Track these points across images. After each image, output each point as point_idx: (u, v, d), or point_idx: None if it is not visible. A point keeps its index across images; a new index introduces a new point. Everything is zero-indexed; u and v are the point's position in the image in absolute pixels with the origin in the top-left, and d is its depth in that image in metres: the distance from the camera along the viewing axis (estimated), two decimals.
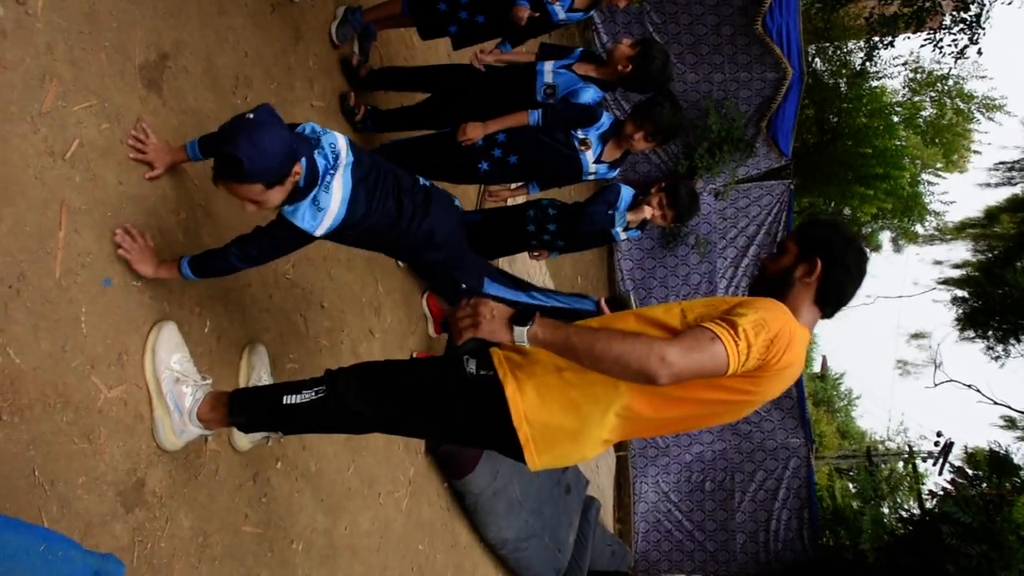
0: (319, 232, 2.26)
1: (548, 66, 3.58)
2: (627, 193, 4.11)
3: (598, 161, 3.63)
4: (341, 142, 2.31)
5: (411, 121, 3.87)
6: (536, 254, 4.32)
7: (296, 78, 3.31)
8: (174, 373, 2.30)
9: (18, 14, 1.94)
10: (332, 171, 2.24)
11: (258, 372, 2.76)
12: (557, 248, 4.17)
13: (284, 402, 2.28)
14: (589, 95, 3.50)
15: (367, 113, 3.80)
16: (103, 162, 2.18)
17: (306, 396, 2.26)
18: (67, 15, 2.10)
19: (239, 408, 2.36)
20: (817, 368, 30.80)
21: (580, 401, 2.11)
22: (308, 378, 2.35)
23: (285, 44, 3.23)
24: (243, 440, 2.68)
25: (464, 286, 2.80)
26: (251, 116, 2.00)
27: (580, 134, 3.53)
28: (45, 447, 1.93)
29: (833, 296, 2.19)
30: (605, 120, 3.58)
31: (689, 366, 1.87)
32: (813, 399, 26.55)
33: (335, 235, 2.38)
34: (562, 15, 3.57)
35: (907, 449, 17.72)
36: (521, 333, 1.96)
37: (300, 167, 2.12)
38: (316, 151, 2.22)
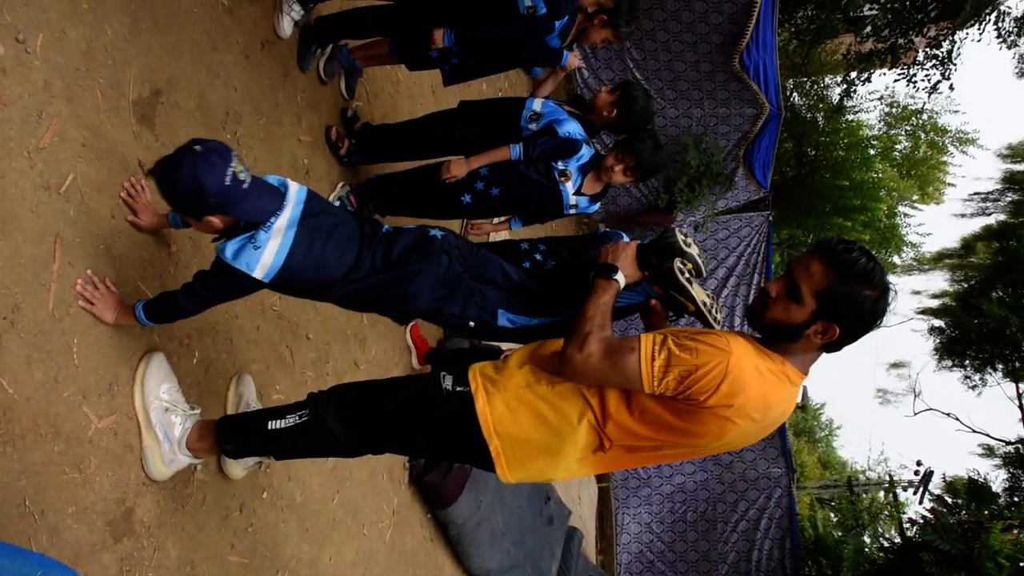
0: (258, 273, 2.10)
1: (538, 100, 3.70)
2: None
3: (578, 193, 3.69)
4: (292, 190, 2.18)
5: (396, 154, 3.95)
6: None
7: (284, 113, 3.38)
8: (163, 403, 2.33)
9: (18, 52, 2.00)
10: (278, 212, 2.11)
11: (246, 401, 2.79)
12: (548, 272, 4.20)
13: (269, 427, 2.33)
14: (572, 127, 3.59)
15: (351, 147, 3.87)
16: (96, 196, 2.23)
17: (290, 421, 2.30)
18: (65, 53, 2.16)
19: (227, 435, 2.40)
20: (798, 399, 30.97)
21: (550, 416, 2.15)
22: (292, 403, 2.38)
23: (274, 80, 3.30)
24: (236, 468, 2.70)
25: (472, 324, 2.66)
26: (197, 148, 1.95)
27: (560, 165, 3.60)
28: (36, 477, 1.95)
29: (839, 347, 2.05)
30: (585, 152, 3.66)
31: (600, 369, 2.02)
32: (794, 429, 26.64)
33: (285, 284, 2.25)
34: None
35: (887, 478, 17.81)
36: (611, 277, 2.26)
37: (217, 220, 2.05)
38: (267, 192, 2.11)
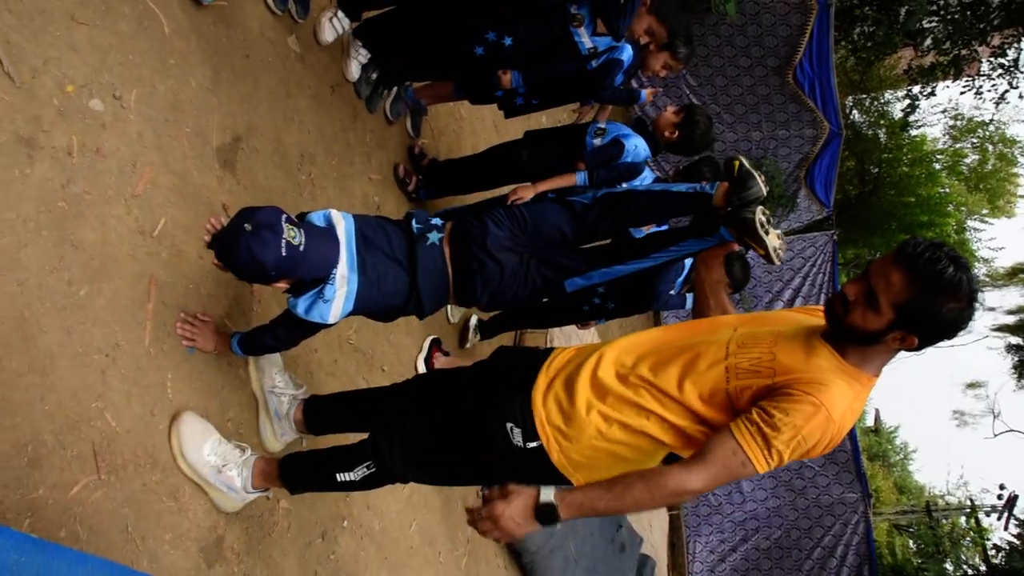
0: (332, 320, 2.25)
1: (602, 121, 3.79)
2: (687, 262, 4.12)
3: None
4: (340, 229, 2.26)
5: (463, 186, 4.06)
6: (583, 325, 4.47)
7: (355, 153, 3.51)
8: (212, 465, 2.30)
9: (115, 108, 2.15)
10: (336, 264, 2.20)
11: (269, 375, 2.70)
12: (607, 312, 4.23)
13: (339, 480, 2.35)
14: (638, 140, 3.65)
15: (419, 183, 3.99)
16: (186, 239, 2.36)
17: (359, 473, 2.32)
18: (155, 106, 2.31)
19: (293, 482, 2.43)
20: (870, 422, 30.07)
21: (628, 455, 2.13)
22: (353, 447, 2.38)
23: (344, 122, 3.44)
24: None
25: (544, 301, 2.80)
26: (247, 227, 1.98)
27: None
28: (137, 504, 2.06)
29: (918, 350, 1.94)
30: (648, 175, 3.72)
31: (715, 485, 1.88)
32: (868, 453, 25.81)
33: (366, 313, 2.44)
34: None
35: (969, 503, 17.17)
36: (548, 524, 1.93)
37: (283, 284, 2.15)
38: (323, 242, 2.17)
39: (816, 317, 2.12)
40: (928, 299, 1.79)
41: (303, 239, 2.06)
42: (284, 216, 2.05)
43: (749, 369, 1.97)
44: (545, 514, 1.89)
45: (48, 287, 1.89)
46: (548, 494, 1.90)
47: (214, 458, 2.29)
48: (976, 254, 16.43)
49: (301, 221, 2.19)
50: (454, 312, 4.33)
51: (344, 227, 2.27)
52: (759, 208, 2.38)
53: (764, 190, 2.44)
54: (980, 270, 17.27)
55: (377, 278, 2.33)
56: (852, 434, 9.32)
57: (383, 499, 3.33)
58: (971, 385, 22.85)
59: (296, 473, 2.43)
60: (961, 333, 1.90)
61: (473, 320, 4.47)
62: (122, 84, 2.19)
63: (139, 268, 2.18)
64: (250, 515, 2.49)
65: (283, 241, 1.99)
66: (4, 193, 1.80)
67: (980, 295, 1.86)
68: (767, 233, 2.37)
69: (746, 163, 2.44)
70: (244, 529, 2.46)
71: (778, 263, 2.43)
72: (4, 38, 1.83)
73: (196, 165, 2.46)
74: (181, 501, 2.22)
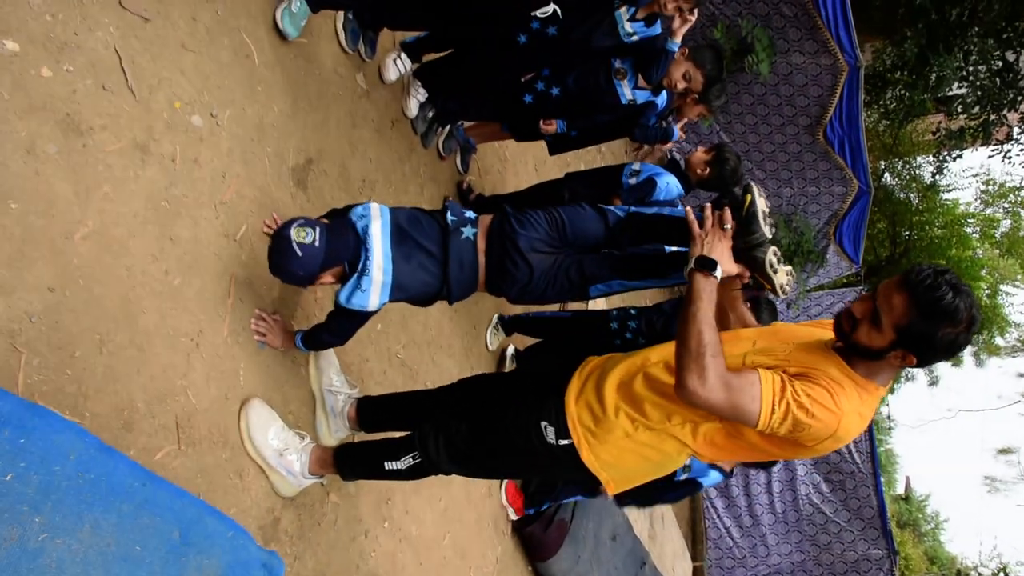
0: (372, 308, 2.45)
1: (637, 163, 4.05)
2: None
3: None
4: (375, 227, 2.45)
5: None
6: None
7: (410, 183, 3.80)
8: (275, 449, 2.52)
9: (211, 125, 2.44)
10: (370, 254, 2.41)
11: (328, 375, 2.94)
12: (639, 348, 4.41)
13: (386, 468, 2.58)
14: (670, 179, 3.90)
15: None
16: (262, 245, 2.62)
17: (405, 463, 2.55)
18: (244, 125, 2.60)
19: (346, 469, 2.67)
20: (901, 489, 29.51)
21: (653, 456, 2.33)
22: (402, 439, 2.61)
23: (402, 154, 3.74)
24: None
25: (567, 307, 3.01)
26: (270, 245, 2.32)
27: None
28: (208, 477, 2.29)
29: (919, 367, 2.09)
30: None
31: (718, 406, 2.00)
32: (897, 520, 25.28)
33: (403, 300, 2.61)
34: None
35: (1002, 573, 16.80)
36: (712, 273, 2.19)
37: (328, 276, 2.40)
38: (339, 232, 2.39)
39: (829, 330, 2.29)
40: (927, 324, 1.93)
41: (316, 236, 2.28)
42: (297, 222, 2.29)
43: (761, 350, 2.18)
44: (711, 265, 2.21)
45: (149, 274, 2.16)
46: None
47: (277, 442, 2.52)
48: (1009, 319, 16.36)
49: (345, 214, 2.47)
50: (492, 340, 4.55)
51: (381, 221, 2.47)
52: (771, 249, 2.50)
53: (768, 233, 2.53)
54: (1012, 335, 17.17)
55: (410, 269, 2.53)
56: (879, 490, 9.32)
57: (421, 508, 3.52)
58: (1002, 451, 22.46)
59: (349, 460, 2.66)
60: (958, 355, 2.09)
61: (510, 350, 4.69)
62: (218, 105, 2.49)
63: (223, 267, 2.44)
64: (303, 503, 2.71)
65: (294, 244, 2.24)
66: (121, 190, 2.08)
67: (979, 320, 1.99)
68: (775, 272, 2.50)
69: (759, 201, 2.51)
70: (297, 515, 2.67)
71: (782, 296, 2.59)
72: (130, 59, 2.13)
73: (274, 181, 2.75)
74: (246, 480, 2.45)
